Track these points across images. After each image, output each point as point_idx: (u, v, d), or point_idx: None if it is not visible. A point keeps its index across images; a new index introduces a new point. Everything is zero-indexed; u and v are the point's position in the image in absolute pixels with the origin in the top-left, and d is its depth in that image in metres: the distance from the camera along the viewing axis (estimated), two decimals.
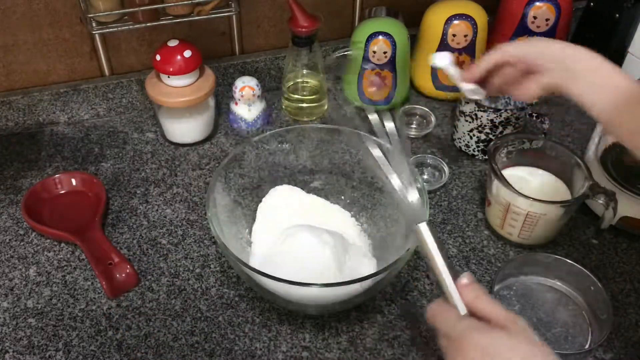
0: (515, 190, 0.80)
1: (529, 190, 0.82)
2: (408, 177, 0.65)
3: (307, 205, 0.87)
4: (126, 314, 0.79)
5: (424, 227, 0.62)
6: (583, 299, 0.80)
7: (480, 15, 1.03)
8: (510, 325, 0.53)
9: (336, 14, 1.12)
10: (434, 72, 1.07)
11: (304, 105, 1.06)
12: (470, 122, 0.96)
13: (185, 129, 1.00)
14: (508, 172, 0.86)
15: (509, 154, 0.88)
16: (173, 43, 0.94)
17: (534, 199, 0.79)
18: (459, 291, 0.58)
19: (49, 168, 0.98)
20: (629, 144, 0.64)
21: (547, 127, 0.96)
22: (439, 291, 0.82)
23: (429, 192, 0.94)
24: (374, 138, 0.84)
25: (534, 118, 0.95)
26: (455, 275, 0.59)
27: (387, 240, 0.83)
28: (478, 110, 0.94)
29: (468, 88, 0.79)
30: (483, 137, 0.96)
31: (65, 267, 0.84)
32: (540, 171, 0.88)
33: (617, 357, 0.75)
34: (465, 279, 0.58)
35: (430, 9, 1.05)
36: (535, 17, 1.02)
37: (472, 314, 0.57)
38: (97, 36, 1.02)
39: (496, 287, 0.79)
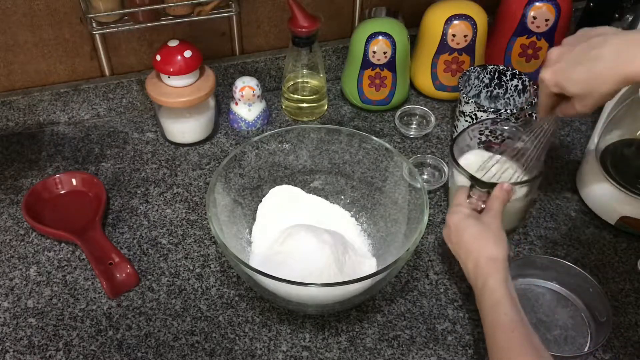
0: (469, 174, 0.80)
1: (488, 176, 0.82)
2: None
3: (307, 205, 0.87)
4: (126, 313, 0.79)
5: None
6: (582, 300, 0.80)
7: (480, 16, 1.03)
8: (487, 220, 0.73)
9: (336, 14, 1.12)
10: (434, 72, 1.08)
11: (304, 105, 1.06)
12: (470, 122, 0.96)
13: (185, 129, 1.00)
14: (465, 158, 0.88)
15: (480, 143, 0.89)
16: (173, 43, 0.94)
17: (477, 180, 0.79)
18: (497, 187, 0.75)
19: (50, 168, 0.98)
20: None
21: None
22: (438, 290, 0.82)
23: (429, 192, 0.94)
24: (375, 138, 0.84)
25: (534, 118, 0.95)
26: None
27: (387, 240, 0.83)
28: (478, 111, 0.94)
29: None
30: (483, 138, 0.96)
31: (65, 267, 0.85)
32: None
33: (617, 357, 0.75)
34: (506, 184, 0.75)
35: (430, 9, 1.05)
36: (535, 17, 1.02)
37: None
38: (97, 36, 1.02)
39: None
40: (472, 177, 0.79)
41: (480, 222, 0.73)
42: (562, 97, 0.69)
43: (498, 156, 0.85)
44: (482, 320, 0.67)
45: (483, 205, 0.76)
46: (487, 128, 0.89)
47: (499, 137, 0.89)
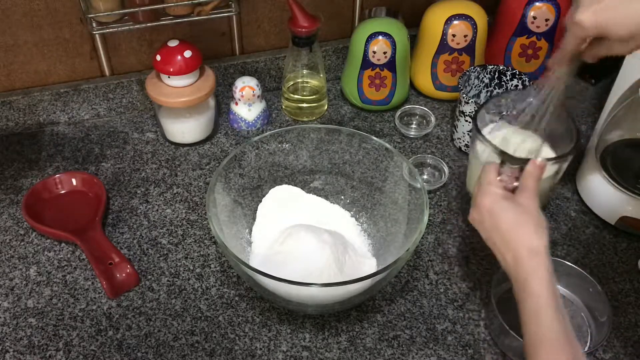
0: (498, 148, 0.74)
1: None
2: None
3: (307, 205, 0.87)
4: (126, 313, 0.79)
5: None
6: (582, 300, 0.80)
7: (480, 16, 1.03)
8: (524, 202, 0.66)
9: (336, 14, 1.12)
10: (434, 72, 1.08)
11: (304, 105, 1.06)
12: (470, 122, 0.96)
13: (185, 129, 1.00)
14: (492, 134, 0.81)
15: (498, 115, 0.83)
16: (173, 43, 0.94)
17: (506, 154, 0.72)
18: (530, 162, 0.69)
19: (50, 168, 0.98)
20: None
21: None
22: (438, 290, 0.82)
23: (429, 192, 0.94)
24: (375, 138, 0.84)
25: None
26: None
27: (387, 240, 0.83)
28: None
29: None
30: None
31: (65, 267, 0.85)
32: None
33: (617, 357, 0.75)
34: (540, 160, 0.69)
35: (430, 9, 1.05)
36: (535, 17, 1.02)
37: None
38: (97, 36, 1.02)
39: (495, 289, 0.79)
40: (502, 153, 0.73)
41: (516, 204, 0.66)
42: (590, 42, 0.63)
43: (516, 127, 0.78)
44: (522, 322, 0.62)
45: (516, 184, 0.70)
46: (506, 100, 0.83)
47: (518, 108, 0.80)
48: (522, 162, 0.70)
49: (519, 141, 0.76)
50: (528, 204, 0.66)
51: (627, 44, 0.59)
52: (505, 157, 0.72)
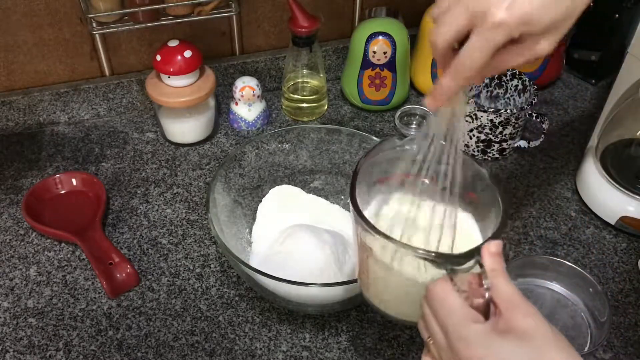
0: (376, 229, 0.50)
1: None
2: None
3: (307, 205, 0.88)
4: (126, 313, 0.79)
5: None
6: (582, 300, 0.80)
7: None
8: (524, 327, 0.44)
9: (336, 14, 1.12)
10: (434, 72, 1.07)
11: (304, 105, 1.06)
12: (470, 122, 0.96)
13: (185, 129, 1.00)
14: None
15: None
16: (173, 43, 0.94)
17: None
18: (485, 255, 0.47)
19: (50, 168, 0.98)
20: None
21: (547, 128, 0.96)
22: None
23: None
24: (375, 138, 0.84)
25: (534, 118, 0.95)
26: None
27: None
28: (478, 111, 0.94)
29: None
30: (483, 137, 0.96)
31: (65, 267, 0.85)
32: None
33: (617, 357, 0.75)
34: (494, 243, 0.47)
35: (430, 9, 1.05)
36: None
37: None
38: (97, 36, 1.02)
39: None
40: (441, 257, 0.48)
41: (522, 336, 0.43)
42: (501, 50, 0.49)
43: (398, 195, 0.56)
44: None
45: (487, 294, 0.46)
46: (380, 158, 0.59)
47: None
48: (475, 255, 0.47)
49: (421, 217, 0.52)
50: (533, 326, 0.44)
51: (555, 34, 0.47)
52: (449, 261, 0.47)
